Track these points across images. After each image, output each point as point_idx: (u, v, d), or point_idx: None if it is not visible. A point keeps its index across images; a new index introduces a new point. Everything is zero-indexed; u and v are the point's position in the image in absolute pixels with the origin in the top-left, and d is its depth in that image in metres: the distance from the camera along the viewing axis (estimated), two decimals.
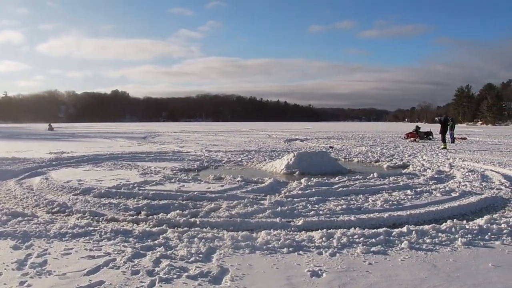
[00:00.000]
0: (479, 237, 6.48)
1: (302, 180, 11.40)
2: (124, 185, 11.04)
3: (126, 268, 5.06)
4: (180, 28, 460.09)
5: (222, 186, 11.20)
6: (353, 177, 12.48)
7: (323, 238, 6.26)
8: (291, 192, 10.08)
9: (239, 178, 11.91)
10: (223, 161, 17.44)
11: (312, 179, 11.68)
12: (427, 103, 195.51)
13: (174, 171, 14.05)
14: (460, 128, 65.67)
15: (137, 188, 10.74)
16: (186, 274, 4.90)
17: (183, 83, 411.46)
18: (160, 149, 24.15)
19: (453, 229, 6.78)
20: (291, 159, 14.67)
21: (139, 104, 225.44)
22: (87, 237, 6.39)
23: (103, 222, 7.58)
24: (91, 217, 7.90)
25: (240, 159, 18.45)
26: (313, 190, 10.27)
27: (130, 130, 42.77)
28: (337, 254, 5.65)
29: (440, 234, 6.56)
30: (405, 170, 14.69)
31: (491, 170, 14.50)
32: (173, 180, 12.04)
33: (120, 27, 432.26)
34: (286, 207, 8.41)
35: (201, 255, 5.56)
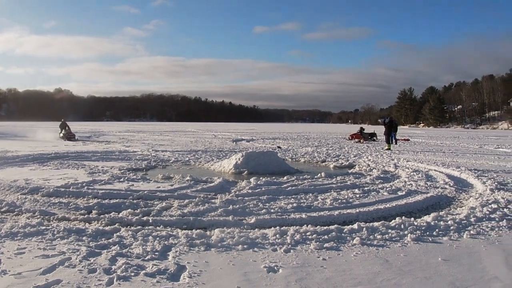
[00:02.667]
0: (428, 233, 6.81)
1: (251, 180, 11.57)
2: (72, 184, 10.95)
3: (82, 267, 5.06)
4: (125, 26, 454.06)
5: (171, 185, 11.27)
6: (301, 177, 12.76)
7: (277, 235, 6.43)
8: (241, 191, 10.23)
9: (188, 178, 12.02)
10: (171, 161, 17.48)
11: (261, 178, 11.89)
12: (371, 105, 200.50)
13: (122, 171, 14.06)
14: (403, 130, 67.85)
15: (86, 187, 10.65)
16: (144, 271, 4.95)
17: (128, 82, 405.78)
18: (106, 149, 23.99)
19: (402, 226, 7.09)
20: (239, 159, 14.85)
21: (82, 103, 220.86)
22: (40, 236, 6.34)
23: (54, 221, 7.49)
24: (42, 217, 7.80)
25: (187, 158, 18.58)
26: (263, 189, 10.45)
27: (74, 129, 41.80)
28: (292, 251, 5.82)
29: (390, 230, 6.86)
30: (351, 170, 15.16)
31: (435, 170, 15.13)
32: (122, 180, 12.04)
33: (63, 24, 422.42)
34: (237, 206, 8.54)
35: (157, 253, 5.62)
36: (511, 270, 5.14)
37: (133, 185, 11.27)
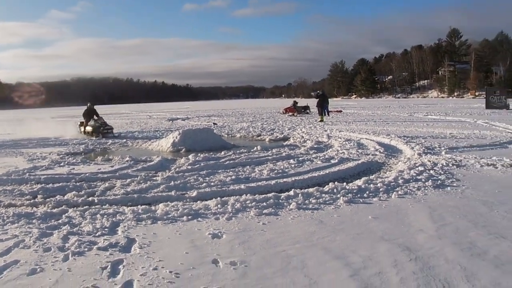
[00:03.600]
0: (359, 195, 7.35)
1: (190, 156, 11.80)
2: (13, 172, 10.80)
3: (37, 247, 5.21)
4: (51, 8, 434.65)
5: (112, 166, 11.35)
6: (238, 151, 13.14)
7: (218, 206, 6.78)
8: (181, 168, 10.48)
9: (127, 158, 12.17)
10: (108, 143, 17.46)
11: (199, 154, 12.14)
12: (303, 79, 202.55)
13: (61, 155, 13.95)
14: (336, 102, 69.39)
15: (27, 174, 10.54)
16: (96, 246, 5.18)
17: (57, 66, 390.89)
18: (41, 135, 23.18)
19: (335, 190, 7.60)
20: (176, 137, 15.06)
21: (11, 90, 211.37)
22: None
23: (1, 208, 7.43)
24: None
25: (125, 140, 18.64)
26: (202, 164, 10.73)
27: (5, 117, 40.09)
28: (233, 218, 6.18)
29: (323, 195, 7.34)
30: (286, 142, 15.71)
31: (366, 139, 15.86)
32: (62, 164, 12.02)
33: None
34: (178, 181, 8.81)
35: (106, 229, 5.84)
36: (435, 223, 5.69)
37: (74, 168, 11.26)
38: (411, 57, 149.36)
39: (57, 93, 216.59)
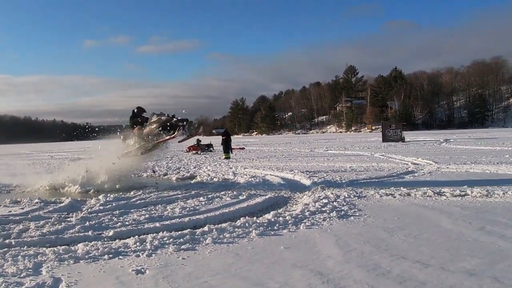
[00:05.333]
0: (269, 228, 7.86)
1: (100, 197, 11.81)
2: None
3: None
4: None
5: (22, 208, 11.07)
6: (147, 190, 13.31)
7: (137, 243, 7.01)
8: (93, 208, 10.50)
9: (37, 200, 11.88)
10: (13, 185, 16.79)
11: (108, 195, 12.17)
12: (204, 117, 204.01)
13: None
14: (237, 139, 70.56)
15: None
16: (24, 287, 5.25)
17: None
18: None
19: (246, 224, 8.07)
20: (83, 178, 14.97)
21: None
22: None
23: None
24: None
25: (31, 181, 17.95)
26: (114, 204, 10.82)
27: None
28: (153, 255, 6.46)
29: (236, 229, 7.78)
30: (194, 181, 16.09)
31: (271, 175, 16.58)
32: None
33: None
34: (93, 222, 8.90)
35: (30, 270, 5.89)
36: (341, 249, 6.29)
37: None
38: (310, 94, 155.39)
39: None
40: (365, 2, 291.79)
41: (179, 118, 15.48)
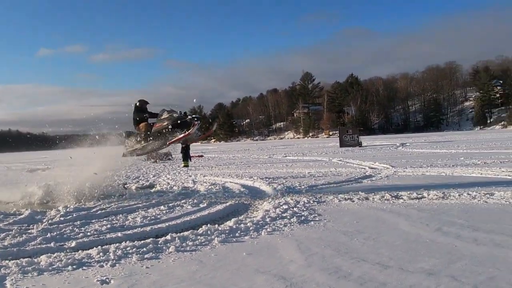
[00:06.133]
0: (231, 235, 7.96)
1: (60, 208, 11.68)
2: None
3: None
4: None
5: None
6: (107, 201, 13.20)
7: (100, 254, 7.01)
8: (54, 220, 10.35)
9: None
10: None
11: (68, 206, 12.05)
12: None
13: None
14: (196, 147, 70.33)
15: None
16: None
17: None
18: None
19: (208, 232, 8.15)
20: (42, 189, 14.80)
21: None
22: None
23: None
24: None
25: None
26: (74, 215, 10.71)
27: None
28: (117, 264, 6.47)
29: (199, 237, 7.86)
30: (153, 189, 16.04)
31: (231, 182, 16.71)
32: None
33: None
34: (55, 233, 8.79)
35: None
36: (303, 254, 6.45)
37: None
38: (267, 101, 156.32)
39: None
40: (321, 8, 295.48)
41: (193, 116, 15.15)
